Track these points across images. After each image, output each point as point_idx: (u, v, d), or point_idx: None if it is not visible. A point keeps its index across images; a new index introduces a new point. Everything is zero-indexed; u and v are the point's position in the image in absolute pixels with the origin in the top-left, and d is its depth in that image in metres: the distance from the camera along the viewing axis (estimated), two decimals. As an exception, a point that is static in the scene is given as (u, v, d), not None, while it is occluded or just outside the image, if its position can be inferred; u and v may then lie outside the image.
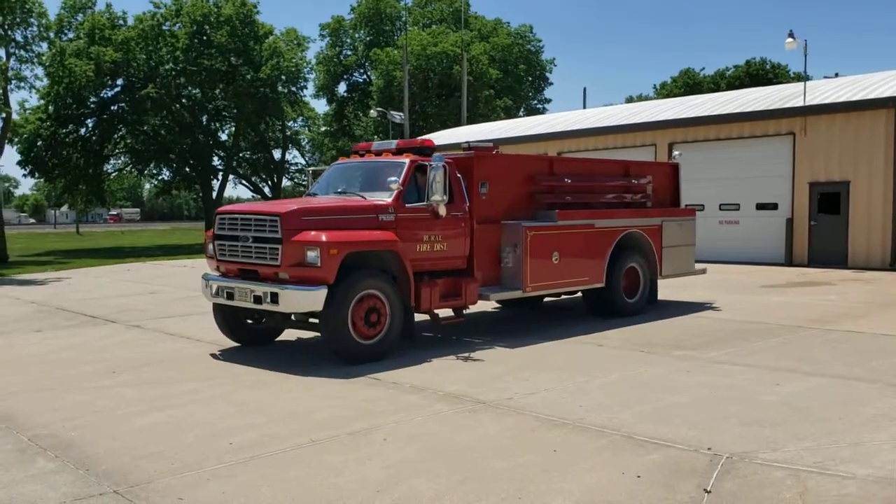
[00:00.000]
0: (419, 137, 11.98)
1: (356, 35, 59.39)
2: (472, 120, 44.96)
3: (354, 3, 58.59)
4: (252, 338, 9.87)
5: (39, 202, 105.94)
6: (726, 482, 4.81)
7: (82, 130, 44.18)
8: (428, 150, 9.98)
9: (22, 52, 35.97)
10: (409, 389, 7.48)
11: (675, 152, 14.26)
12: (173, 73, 45.71)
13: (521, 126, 31.48)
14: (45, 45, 38.45)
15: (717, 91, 40.07)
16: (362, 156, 10.56)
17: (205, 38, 46.66)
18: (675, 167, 13.69)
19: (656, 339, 9.98)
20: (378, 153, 10.31)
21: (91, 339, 10.73)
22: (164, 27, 46.80)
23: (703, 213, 22.86)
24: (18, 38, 35.10)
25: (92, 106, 43.94)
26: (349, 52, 59.99)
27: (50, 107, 41.49)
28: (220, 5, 47.74)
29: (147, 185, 64.46)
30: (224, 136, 52.47)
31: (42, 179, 48.79)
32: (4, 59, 32.75)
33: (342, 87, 60.08)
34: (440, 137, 33.77)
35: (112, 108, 44.96)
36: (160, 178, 52.85)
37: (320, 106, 75.24)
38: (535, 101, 61.08)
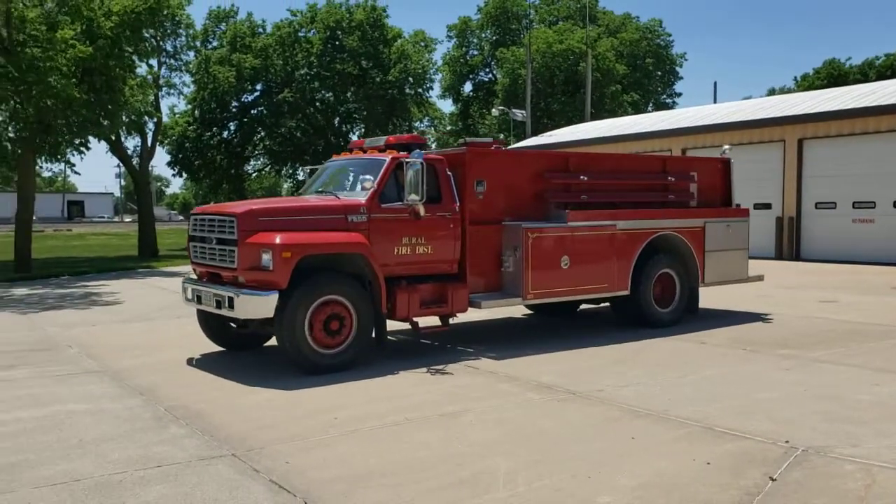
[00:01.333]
0: (407, 134, 11.20)
1: (482, 35, 60.10)
2: (597, 116, 44.63)
3: (481, 3, 59.27)
4: (240, 342, 9.48)
5: (188, 200, 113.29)
6: (794, 472, 4.93)
7: (225, 133, 47.11)
8: (416, 146, 9.27)
9: (171, 61, 38.87)
10: (504, 378, 7.87)
11: (725, 146, 12.71)
12: (308, 77, 47.91)
13: (643, 122, 31.07)
14: (191, 54, 41.43)
15: (864, 82, 37.90)
16: (351, 152, 10.03)
17: (337, 43, 48.62)
18: (725, 163, 12.26)
19: (762, 338, 9.89)
20: (367, 150, 9.64)
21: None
22: (299, 34, 49.11)
23: (834, 212, 22.01)
24: (169, 48, 37.98)
25: (233, 110, 46.76)
26: (475, 52, 60.78)
27: (196, 111, 44.53)
28: (352, 11, 49.58)
29: (285, 185, 67.74)
30: (354, 138, 54.41)
31: (189, 179, 52.35)
32: (156, 68, 35.53)
33: (468, 87, 60.98)
34: (562, 134, 33.83)
35: (252, 111, 47.65)
36: (296, 177, 55.53)
37: (446, 106, 76.77)
38: (665, 97, 59.74)
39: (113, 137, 31.81)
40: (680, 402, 6.76)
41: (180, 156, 44.37)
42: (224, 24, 49.24)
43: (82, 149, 26.99)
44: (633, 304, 10.55)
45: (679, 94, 62.70)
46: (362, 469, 5.17)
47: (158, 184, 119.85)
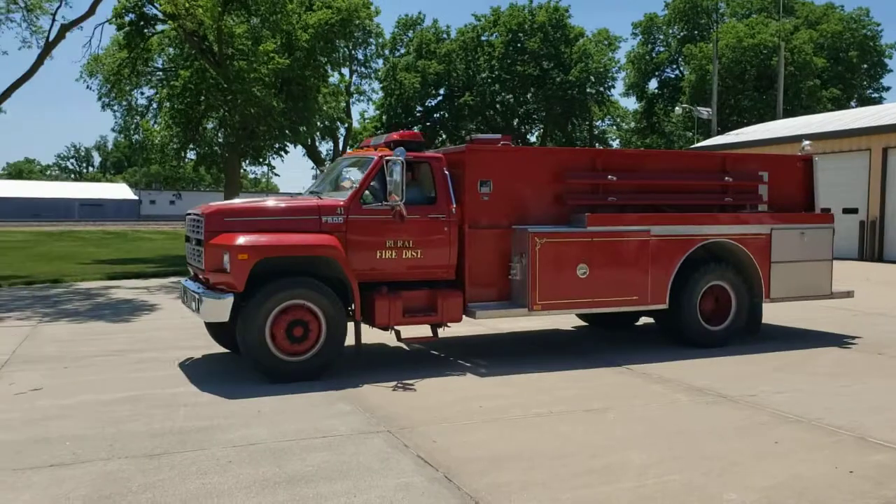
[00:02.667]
0: (405, 130, 10.11)
1: (669, 31, 58.49)
2: (792, 113, 42.13)
3: (668, -1, 57.73)
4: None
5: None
6: (943, 487, 4.73)
7: (410, 136, 49.15)
8: (413, 144, 8.68)
9: (362, 69, 41.25)
10: (657, 380, 7.93)
11: (805, 142, 11.06)
12: (489, 80, 48.93)
13: (841, 120, 29.02)
14: (380, 62, 43.70)
15: None
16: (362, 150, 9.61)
17: (519, 45, 49.26)
18: (806, 162, 10.58)
19: (950, 352, 9.20)
20: (375, 148, 9.10)
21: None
22: (482, 38, 50.24)
23: None
24: (359, 56, 40.32)
25: (417, 114, 48.71)
26: (661, 49, 59.27)
27: (383, 116, 46.79)
28: (535, 13, 50.02)
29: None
30: (533, 138, 54.83)
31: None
32: (348, 76, 37.82)
33: (652, 84, 59.58)
34: (751, 132, 32.32)
35: (435, 115, 49.35)
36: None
37: (629, 104, 75.03)
38: (870, 91, 55.18)
39: (308, 142, 34.28)
40: (836, 412, 6.56)
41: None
42: (411, 31, 51.40)
43: (282, 153, 29.37)
44: (674, 320, 9.46)
45: (887, 89, 57.58)
46: (500, 452, 5.55)
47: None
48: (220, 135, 28.19)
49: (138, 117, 31.56)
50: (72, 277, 17.82)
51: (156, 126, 30.20)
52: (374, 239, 8.16)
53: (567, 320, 11.33)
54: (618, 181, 9.30)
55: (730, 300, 9.66)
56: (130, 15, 27.37)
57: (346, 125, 37.95)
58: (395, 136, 8.90)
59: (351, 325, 8.13)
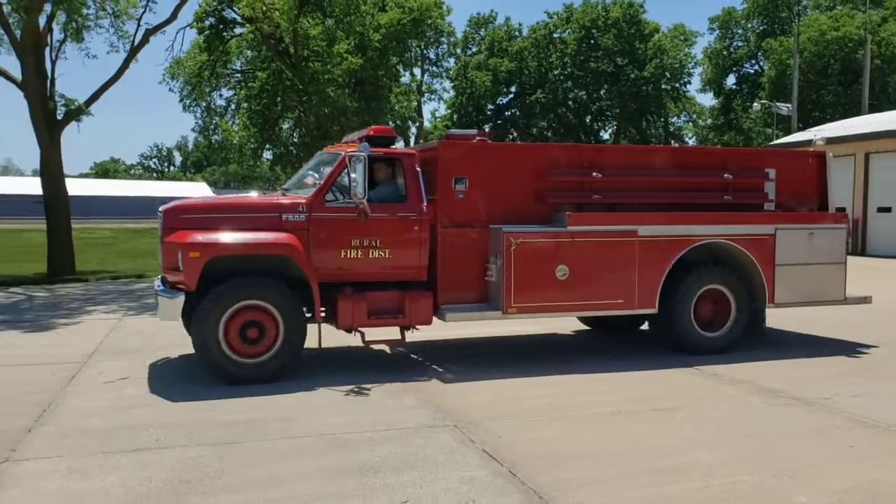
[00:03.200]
0: (379, 126, 9.52)
1: (748, 25, 56.95)
2: (878, 108, 40.48)
3: (746, -8, 56.19)
4: None
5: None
6: None
7: (480, 135, 49.24)
8: (384, 140, 8.43)
9: (433, 68, 41.56)
10: (728, 381, 7.80)
11: (817, 137, 10.35)
12: (561, 77, 48.64)
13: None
14: (451, 61, 43.94)
15: None
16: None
17: (592, 41, 48.79)
18: (819, 158, 9.93)
19: None
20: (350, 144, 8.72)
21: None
22: (554, 35, 49.93)
23: None
24: (431, 55, 40.63)
25: (488, 112, 48.75)
26: (740, 44, 57.76)
27: (454, 115, 46.99)
28: (609, 9, 49.42)
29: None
30: (606, 135, 54.22)
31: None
32: (419, 75, 38.13)
33: (730, 80, 58.12)
34: (833, 129, 31.22)
35: (506, 113, 49.32)
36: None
37: (706, 100, 73.10)
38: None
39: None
40: (917, 417, 6.35)
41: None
42: (483, 29, 51.46)
43: (353, 152, 29.81)
44: (666, 325, 8.97)
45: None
46: (566, 450, 5.57)
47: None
48: (295, 135, 28.86)
49: (217, 118, 32.57)
50: (154, 273, 18.47)
51: (234, 126, 31.12)
52: (339, 238, 7.89)
53: (569, 324, 11.01)
54: (604, 178, 8.81)
55: (728, 304, 9.10)
56: (210, 19, 28.29)
57: (417, 124, 38.29)
58: (369, 131, 8.58)
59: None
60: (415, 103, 36.80)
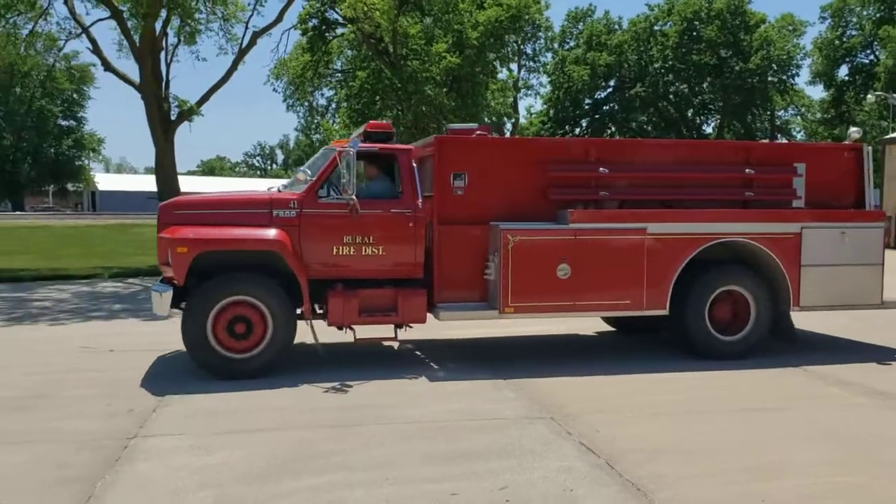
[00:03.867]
0: (376, 121, 9.39)
1: (863, 13, 54.21)
2: None
3: (862, -22, 53.48)
4: None
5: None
6: None
7: (577, 130, 48.83)
8: (381, 136, 8.32)
9: (530, 63, 41.49)
10: (834, 382, 7.63)
11: (852, 130, 9.72)
12: (662, 70, 47.64)
13: None
14: (549, 56, 43.75)
15: None
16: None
17: (694, 34, 47.60)
18: (855, 152, 9.26)
19: None
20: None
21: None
22: (655, 28, 48.95)
23: None
24: (528, 51, 40.58)
25: (586, 107, 48.25)
26: (854, 33, 55.05)
27: (550, 111, 46.76)
28: (712, 0, 48.09)
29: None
30: (709, 129, 52.78)
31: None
32: (516, 71, 38.15)
33: (842, 71, 55.48)
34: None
35: (604, 107, 48.71)
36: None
37: (815, 93, 69.64)
38: None
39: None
40: None
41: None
42: (581, 24, 50.96)
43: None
44: (679, 327, 8.60)
45: None
46: (661, 445, 5.65)
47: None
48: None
49: (319, 117, 33.57)
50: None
51: (334, 125, 31.99)
52: (331, 234, 7.85)
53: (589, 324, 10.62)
54: (613, 174, 8.48)
55: (748, 307, 8.63)
56: (314, 20, 29.19)
57: (513, 120, 38.36)
58: (367, 127, 8.53)
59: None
60: (511, 99, 36.87)
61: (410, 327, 8.30)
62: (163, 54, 23.81)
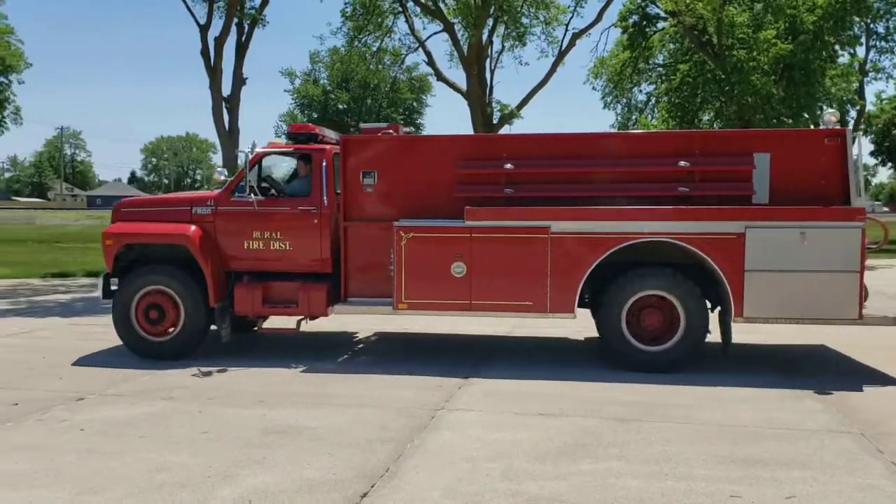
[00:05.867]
0: (298, 123, 9.48)
1: None
2: None
3: None
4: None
5: (895, 190, 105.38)
6: None
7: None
8: (301, 136, 8.74)
9: (881, 44, 36.92)
10: None
11: (828, 112, 8.14)
12: None
13: None
14: (905, 34, 38.48)
15: None
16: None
17: None
18: (838, 138, 7.74)
19: None
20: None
21: None
22: None
23: None
24: (879, 29, 36.18)
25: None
26: None
27: (906, 95, 41.27)
28: None
29: None
30: None
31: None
32: (862, 53, 34.26)
33: None
34: None
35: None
36: None
37: None
38: None
39: (812, 128, 32.12)
40: None
41: (886, 143, 41.86)
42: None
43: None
44: (602, 336, 8.04)
45: None
46: None
47: (865, 173, 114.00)
48: (714, 125, 28.24)
49: (636, 113, 33.27)
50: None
51: (653, 121, 31.51)
52: (242, 230, 8.47)
53: None
54: (519, 170, 8.06)
55: (677, 315, 7.75)
56: (634, 17, 29.04)
57: (858, 108, 34.49)
58: (290, 128, 9.08)
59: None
60: (855, 85, 33.19)
61: (313, 319, 8.84)
62: (487, 62, 25.41)
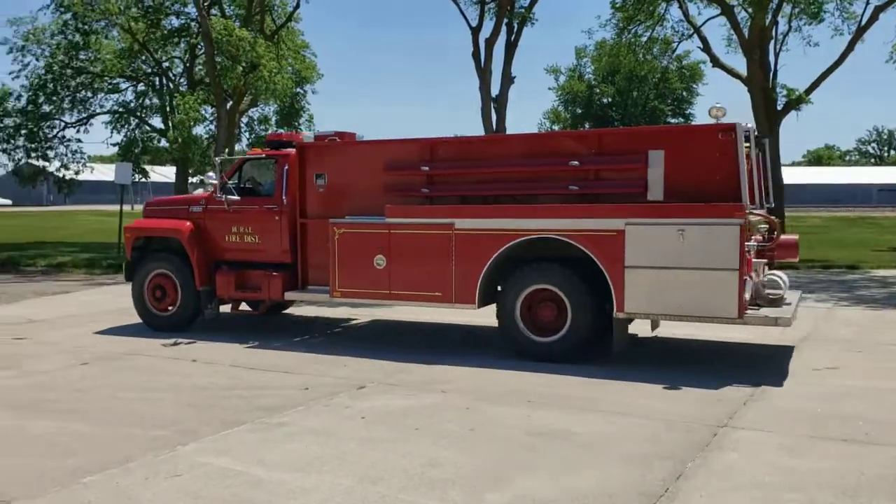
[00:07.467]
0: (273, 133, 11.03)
1: None
2: None
3: None
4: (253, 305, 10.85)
5: None
6: None
7: None
8: (273, 143, 10.21)
9: None
10: None
11: (715, 105, 7.72)
12: None
13: None
14: None
15: None
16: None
17: None
18: (728, 133, 7.53)
19: None
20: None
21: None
22: None
23: None
24: None
25: None
26: None
27: None
28: None
29: None
30: None
31: None
32: None
33: None
34: None
35: None
36: None
37: None
38: None
39: None
40: None
41: None
42: None
43: None
44: (500, 326, 8.52)
45: None
46: None
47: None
48: None
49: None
50: (868, 264, 17.71)
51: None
52: (222, 225, 10.07)
53: None
54: (432, 172, 8.92)
55: (565, 309, 8.13)
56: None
57: None
58: (267, 137, 10.77)
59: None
60: None
61: (269, 301, 10.06)
62: (771, 45, 23.41)
